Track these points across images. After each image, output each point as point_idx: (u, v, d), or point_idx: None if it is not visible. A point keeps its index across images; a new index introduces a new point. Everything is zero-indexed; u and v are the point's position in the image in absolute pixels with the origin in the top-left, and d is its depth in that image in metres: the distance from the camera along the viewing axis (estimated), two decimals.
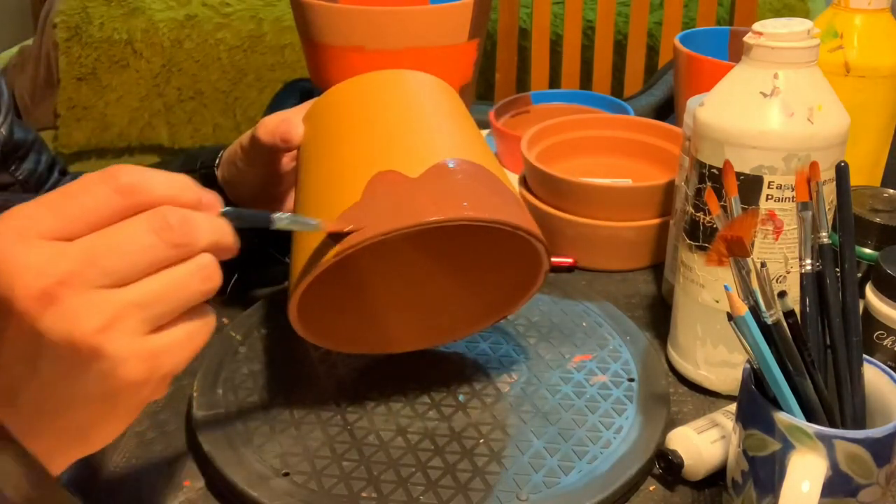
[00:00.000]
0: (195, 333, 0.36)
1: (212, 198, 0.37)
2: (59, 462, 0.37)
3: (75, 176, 0.76)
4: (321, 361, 0.59)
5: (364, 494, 0.48)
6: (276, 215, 0.42)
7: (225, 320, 0.66)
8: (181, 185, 0.36)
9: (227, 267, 0.75)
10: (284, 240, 0.71)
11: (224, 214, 0.38)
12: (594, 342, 0.62)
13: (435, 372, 0.58)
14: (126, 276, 0.34)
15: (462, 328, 0.59)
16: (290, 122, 0.55)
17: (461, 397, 0.56)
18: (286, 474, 0.49)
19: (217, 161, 0.64)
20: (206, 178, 0.64)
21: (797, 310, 0.44)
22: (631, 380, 0.58)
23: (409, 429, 0.53)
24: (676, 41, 0.86)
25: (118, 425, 0.37)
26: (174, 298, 0.35)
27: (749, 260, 0.43)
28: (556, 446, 0.52)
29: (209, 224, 0.36)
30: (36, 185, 0.72)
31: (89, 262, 0.33)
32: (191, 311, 0.36)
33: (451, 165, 0.48)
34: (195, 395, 0.55)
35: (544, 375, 0.58)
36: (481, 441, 0.52)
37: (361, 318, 0.59)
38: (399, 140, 0.50)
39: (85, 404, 0.35)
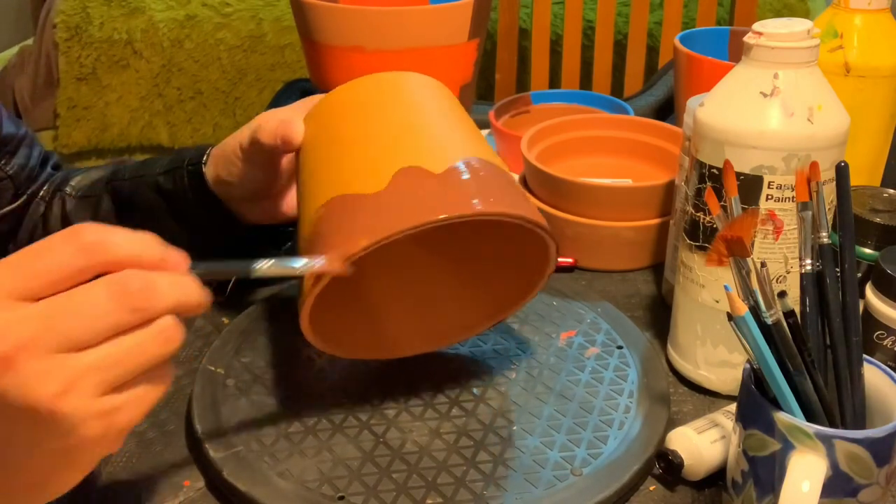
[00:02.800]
0: (151, 389, 0.37)
1: (177, 256, 0.38)
2: None
3: (70, 172, 0.75)
4: (317, 379, 0.58)
5: (429, 501, 0.48)
6: (257, 264, 0.41)
7: (225, 320, 0.66)
8: (144, 243, 0.36)
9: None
10: (282, 240, 0.71)
11: (193, 270, 0.38)
12: (571, 318, 0.64)
13: (438, 370, 0.58)
14: (84, 340, 0.34)
15: (466, 329, 0.59)
16: (290, 123, 0.54)
17: (475, 391, 0.56)
18: (342, 498, 0.48)
19: (205, 158, 0.64)
20: (193, 175, 0.64)
21: (797, 310, 0.44)
22: (620, 347, 0.60)
23: (440, 430, 0.53)
24: (676, 41, 0.86)
25: (75, 477, 0.37)
26: (132, 362, 0.35)
27: (749, 260, 0.43)
28: (584, 420, 0.53)
29: (171, 287, 0.36)
30: (27, 181, 0.72)
31: (48, 326, 0.33)
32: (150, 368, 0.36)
33: (471, 164, 0.49)
34: (204, 437, 0.52)
35: (542, 357, 0.60)
36: (514, 428, 0.53)
37: (366, 323, 0.58)
38: (420, 137, 0.50)
39: (42, 460, 0.35)
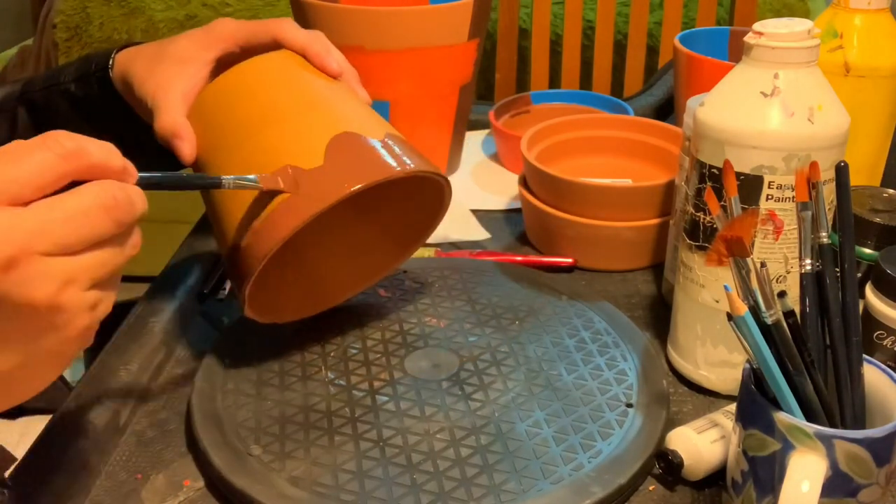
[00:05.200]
0: (116, 285, 0.42)
1: (133, 168, 0.41)
2: None
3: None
4: (319, 386, 0.57)
5: (478, 482, 0.49)
6: (224, 179, 0.48)
7: (224, 319, 0.66)
8: (110, 152, 0.40)
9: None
10: None
11: (140, 182, 0.41)
12: (570, 317, 0.65)
13: (437, 372, 0.58)
14: (73, 246, 0.38)
15: (384, 267, 0.65)
16: (179, 139, 0.55)
17: (474, 391, 0.56)
18: None
19: (110, 62, 0.64)
20: (102, 82, 0.64)
21: (797, 310, 0.44)
22: (619, 347, 0.61)
23: (439, 431, 0.53)
24: (676, 41, 0.86)
25: (53, 376, 0.41)
26: (112, 265, 0.40)
27: (749, 260, 0.43)
28: (582, 419, 0.54)
29: (140, 199, 0.40)
30: None
31: (44, 231, 0.36)
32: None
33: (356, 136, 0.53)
34: (211, 450, 0.51)
35: (539, 354, 0.60)
36: (514, 426, 0.54)
37: (301, 283, 0.63)
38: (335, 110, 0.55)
39: (32, 357, 0.39)
